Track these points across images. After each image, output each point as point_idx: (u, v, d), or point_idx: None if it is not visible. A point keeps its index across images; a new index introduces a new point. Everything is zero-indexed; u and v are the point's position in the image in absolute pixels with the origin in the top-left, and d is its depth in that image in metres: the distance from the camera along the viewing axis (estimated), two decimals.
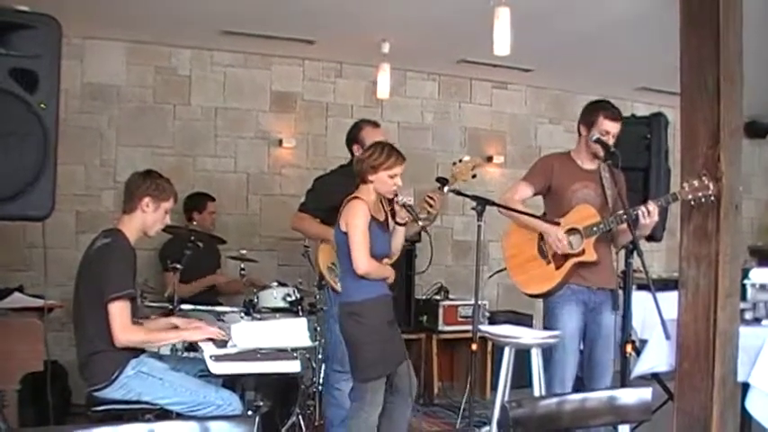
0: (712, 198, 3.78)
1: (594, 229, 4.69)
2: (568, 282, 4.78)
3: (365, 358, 4.45)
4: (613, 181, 4.80)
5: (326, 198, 5.33)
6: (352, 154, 5.50)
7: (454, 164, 5.13)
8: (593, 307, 4.84)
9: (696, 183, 3.79)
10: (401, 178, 4.51)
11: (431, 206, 4.90)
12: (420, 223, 4.65)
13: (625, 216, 4.54)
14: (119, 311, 3.99)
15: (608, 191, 4.81)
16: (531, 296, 5.00)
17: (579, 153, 4.96)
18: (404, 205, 4.55)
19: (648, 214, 4.47)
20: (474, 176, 5.14)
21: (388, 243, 4.63)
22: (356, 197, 4.49)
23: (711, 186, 3.76)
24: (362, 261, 4.37)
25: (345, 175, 5.43)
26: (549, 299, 4.87)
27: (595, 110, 4.85)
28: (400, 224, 4.65)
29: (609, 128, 4.77)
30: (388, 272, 4.57)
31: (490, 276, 6.48)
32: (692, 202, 3.84)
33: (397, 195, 4.53)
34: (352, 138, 5.49)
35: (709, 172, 3.77)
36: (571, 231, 4.76)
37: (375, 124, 5.54)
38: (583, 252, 4.73)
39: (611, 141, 4.77)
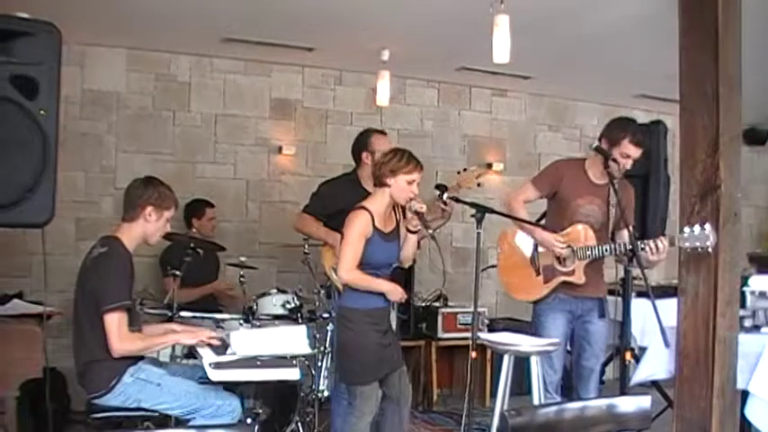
0: (709, 250, 3.78)
1: (588, 253, 4.70)
2: (553, 293, 4.84)
3: (349, 362, 4.54)
4: (618, 198, 4.71)
5: (330, 203, 5.38)
6: (358, 162, 5.54)
7: (459, 172, 5.16)
8: (581, 314, 4.87)
9: (696, 231, 3.80)
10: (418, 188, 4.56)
11: (443, 210, 4.94)
12: (429, 232, 4.58)
13: (620, 250, 4.55)
14: (115, 323, 3.97)
15: (612, 208, 4.79)
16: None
17: (593, 165, 4.89)
18: (416, 212, 4.51)
19: (657, 251, 4.37)
20: (479, 185, 5.18)
21: (393, 252, 4.67)
22: (361, 206, 4.55)
23: (711, 238, 3.76)
24: (344, 270, 4.46)
25: (351, 181, 5.49)
26: (537, 305, 4.93)
27: (623, 130, 4.73)
28: (411, 232, 4.66)
29: (631, 152, 4.69)
30: (384, 287, 4.55)
31: (483, 269, 6.45)
32: (689, 251, 3.85)
33: (410, 201, 4.51)
34: (362, 145, 5.56)
35: (708, 179, 3.78)
36: (565, 248, 4.77)
37: (383, 132, 5.60)
38: (572, 272, 4.74)
39: (628, 165, 4.72)
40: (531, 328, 4.99)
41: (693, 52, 3.88)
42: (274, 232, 7.45)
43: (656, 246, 4.38)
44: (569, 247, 4.74)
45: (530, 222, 4.88)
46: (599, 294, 4.89)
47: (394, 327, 5.11)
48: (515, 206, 4.92)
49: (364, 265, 4.50)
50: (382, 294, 4.57)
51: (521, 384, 4.92)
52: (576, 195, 4.84)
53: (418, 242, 5.73)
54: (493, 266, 5.20)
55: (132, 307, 4.19)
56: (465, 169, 5.23)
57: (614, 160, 4.67)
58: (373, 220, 4.51)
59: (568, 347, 4.97)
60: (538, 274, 4.85)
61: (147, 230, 4.27)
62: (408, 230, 4.66)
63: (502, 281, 5.05)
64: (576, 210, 4.82)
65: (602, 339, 4.89)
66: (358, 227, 4.46)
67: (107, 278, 4.05)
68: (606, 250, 4.63)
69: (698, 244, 3.82)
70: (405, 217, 4.69)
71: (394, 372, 4.62)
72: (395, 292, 4.56)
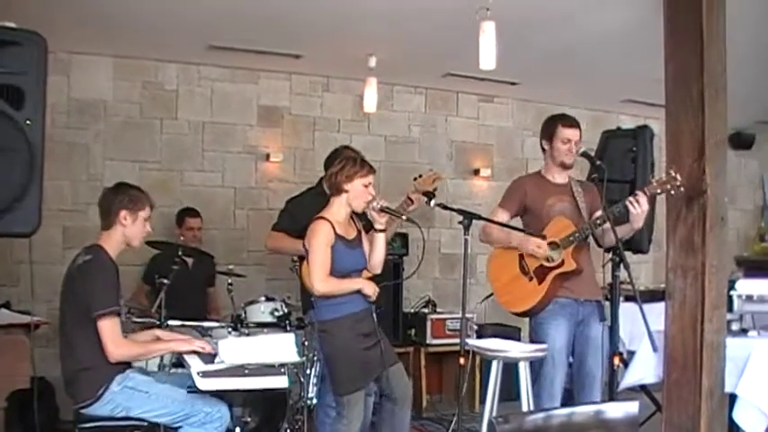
0: (681, 189, 3.81)
1: (571, 238, 4.73)
2: (554, 295, 4.80)
3: (338, 373, 4.54)
4: (585, 193, 4.93)
5: (300, 218, 5.34)
6: None
7: (415, 179, 5.22)
8: (582, 319, 4.85)
9: (663, 176, 3.83)
10: (374, 189, 4.63)
11: (411, 201, 5.15)
12: (404, 217, 4.70)
13: (598, 221, 4.60)
14: (109, 328, 3.98)
15: (581, 203, 4.89)
16: (519, 314, 5.02)
17: (549, 169, 5.04)
18: (382, 209, 4.57)
19: (638, 204, 4.42)
20: (435, 189, 5.23)
21: (359, 258, 4.68)
22: (320, 217, 4.58)
23: (679, 177, 3.79)
24: (317, 282, 4.47)
25: (318, 195, 5.46)
26: (537, 315, 4.87)
27: (553, 122, 5.00)
28: (379, 230, 4.66)
29: (568, 135, 4.90)
30: (358, 284, 4.57)
31: (480, 303, 6.55)
32: (662, 194, 3.89)
33: (370, 203, 4.57)
34: None
35: (694, 184, 3.80)
36: (549, 245, 4.79)
37: (356, 152, 5.58)
38: (562, 263, 4.76)
39: (573, 149, 4.87)
40: (531, 337, 4.96)
41: (678, 57, 3.90)
42: (262, 240, 7.39)
43: (636, 199, 4.42)
44: (552, 242, 4.77)
45: (513, 227, 4.89)
46: (597, 296, 4.91)
47: None
48: (489, 230, 4.98)
49: (332, 274, 4.51)
50: (359, 295, 4.58)
51: (510, 390, 4.91)
52: (544, 199, 4.92)
53: (407, 247, 5.73)
54: (489, 296, 5.22)
55: (120, 313, 4.19)
56: (420, 176, 5.32)
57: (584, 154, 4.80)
58: (334, 229, 4.53)
59: (570, 359, 4.94)
60: (531, 279, 4.85)
61: (126, 234, 4.28)
62: (375, 230, 4.66)
63: (501, 302, 5.01)
64: (549, 210, 4.89)
65: (605, 343, 4.85)
66: (320, 236, 4.49)
67: (95, 284, 4.05)
68: (586, 229, 4.69)
69: (669, 186, 3.85)
70: (366, 231, 4.76)
71: (386, 370, 4.61)
72: (368, 287, 4.58)
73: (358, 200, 4.58)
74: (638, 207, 4.42)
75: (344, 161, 4.67)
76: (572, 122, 4.95)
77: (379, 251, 4.70)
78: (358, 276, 4.67)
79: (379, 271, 4.78)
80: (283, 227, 5.53)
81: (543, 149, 5.05)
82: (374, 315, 4.69)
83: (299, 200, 5.69)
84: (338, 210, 4.61)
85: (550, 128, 4.98)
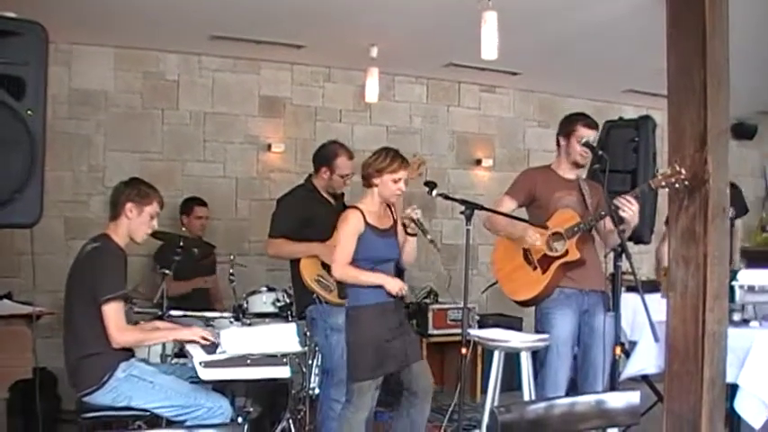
0: (686, 183, 3.80)
1: (575, 229, 4.73)
2: (557, 285, 4.80)
3: (356, 360, 4.56)
4: (592, 191, 4.95)
5: (294, 214, 5.35)
6: (316, 172, 5.58)
7: None
8: (587, 309, 4.86)
9: (668, 170, 3.84)
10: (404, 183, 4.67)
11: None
12: (429, 237, 4.67)
13: (603, 212, 4.58)
14: (113, 312, 4.03)
15: (588, 199, 4.91)
16: (522, 303, 5.01)
17: (560, 164, 5.06)
18: (411, 219, 4.64)
19: (628, 203, 4.46)
20: (420, 174, 5.25)
21: (391, 248, 4.71)
22: (353, 206, 4.66)
23: (683, 171, 3.79)
24: (336, 268, 4.57)
25: (308, 191, 5.48)
26: (543, 304, 4.87)
27: (574, 120, 5.01)
28: (411, 234, 4.74)
29: (586, 135, 4.91)
30: (379, 280, 4.55)
31: (483, 292, 6.55)
32: (667, 188, 3.88)
33: (413, 210, 4.63)
34: (324, 160, 5.53)
35: (696, 174, 3.79)
36: (554, 236, 4.79)
37: (350, 153, 5.56)
38: (566, 253, 4.76)
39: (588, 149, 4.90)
40: (537, 327, 4.96)
41: (681, 47, 3.88)
42: (264, 230, 7.36)
43: (625, 199, 4.47)
44: (557, 232, 4.77)
45: (516, 218, 4.89)
46: (602, 287, 4.92)
47: None
48: (497, 217, 4.95)
49: (362, 261, 4.55)
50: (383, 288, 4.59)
51: (511, 380, 4.92)
52: (552, 191, 4.94)
53: None
54: (494, 284, 5.23)
55: (128, 298, 4.25)
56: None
57: (586, 144, 4.85)
58: (365, 218, 4.57)
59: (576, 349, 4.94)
60: (534, 268, 4.85)
61: (130, 227, 4.34)
62: (407, 233, 4.75)
63: (505, 290, 5.01)
64: (557, 202, 4.91)
65: (609, 334, 4.82)
66: (348, 224, 4.55)
67: (103, 270, 4.11)
68: (590, 220, 4.71)
69: (673, 180, 3.84)
70: (397, 222, 4.78)
71: (412, 364, 4.65)
72: (392, 284, 4.56)
73: (387, 194, 4.61)
74: (629, 209, 4.45)
75: (378, 154, 4.69)
76: (592, 124, 4.98)
77: (408, 252, 4.81)
78: (390, 265, 4.70)
79: (408, 265, 4.92)
80: (282, 232, 5.46)
81: (558, 144, 5.07)
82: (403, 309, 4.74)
83: (287, 198, 5.64)
84: (371, 200, 4.67)
85: (570, 126, 4.99)
